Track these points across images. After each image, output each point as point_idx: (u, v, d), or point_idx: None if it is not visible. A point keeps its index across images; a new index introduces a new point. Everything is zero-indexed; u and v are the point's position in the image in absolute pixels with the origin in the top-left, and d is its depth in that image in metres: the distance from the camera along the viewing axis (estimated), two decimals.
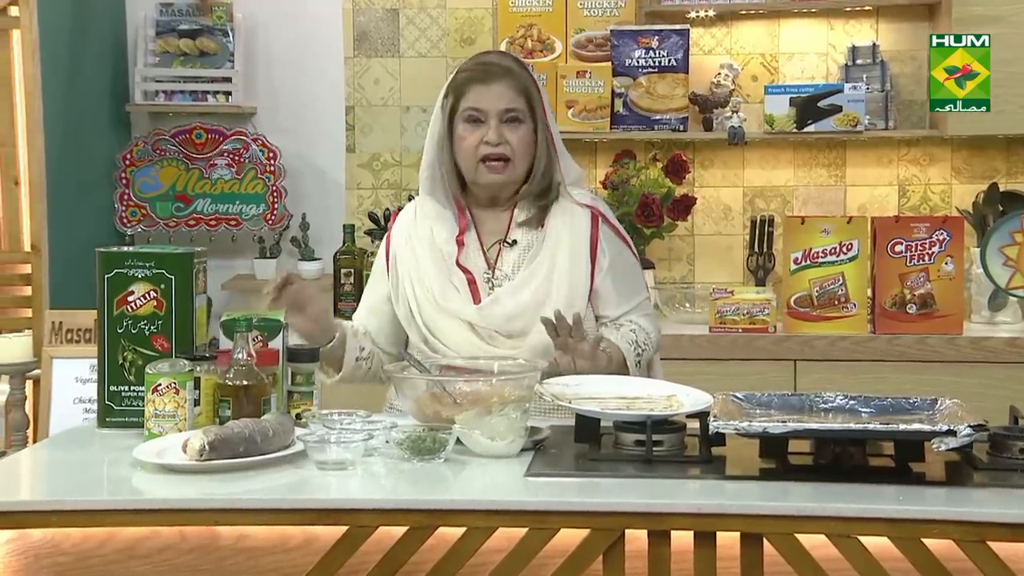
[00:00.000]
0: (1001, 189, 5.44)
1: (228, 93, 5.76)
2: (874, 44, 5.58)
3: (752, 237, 5.58)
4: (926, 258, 5.01)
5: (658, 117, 5.52)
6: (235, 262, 5.93)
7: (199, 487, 2.69)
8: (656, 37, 5.50)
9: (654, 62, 5.50)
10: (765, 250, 5.53)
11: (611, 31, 5.53)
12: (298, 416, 3.20)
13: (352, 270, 5.29)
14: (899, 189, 5.70)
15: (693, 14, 5.66)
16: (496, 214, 3.60)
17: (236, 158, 5.79)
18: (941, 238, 5.01)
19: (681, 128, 5.54)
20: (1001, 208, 5.32)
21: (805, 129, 5.43)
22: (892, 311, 5.03)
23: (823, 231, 5.05)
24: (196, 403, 3.09)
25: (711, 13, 5.64)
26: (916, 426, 2.73)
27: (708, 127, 5.60)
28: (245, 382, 3.08)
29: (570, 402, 3.04)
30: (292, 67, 5.94)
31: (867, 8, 5.64)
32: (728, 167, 5.75)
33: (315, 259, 5.74)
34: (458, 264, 3.54)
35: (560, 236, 3.53)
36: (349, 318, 5.20)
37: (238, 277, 5.87)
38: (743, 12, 5.67)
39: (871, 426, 2.77)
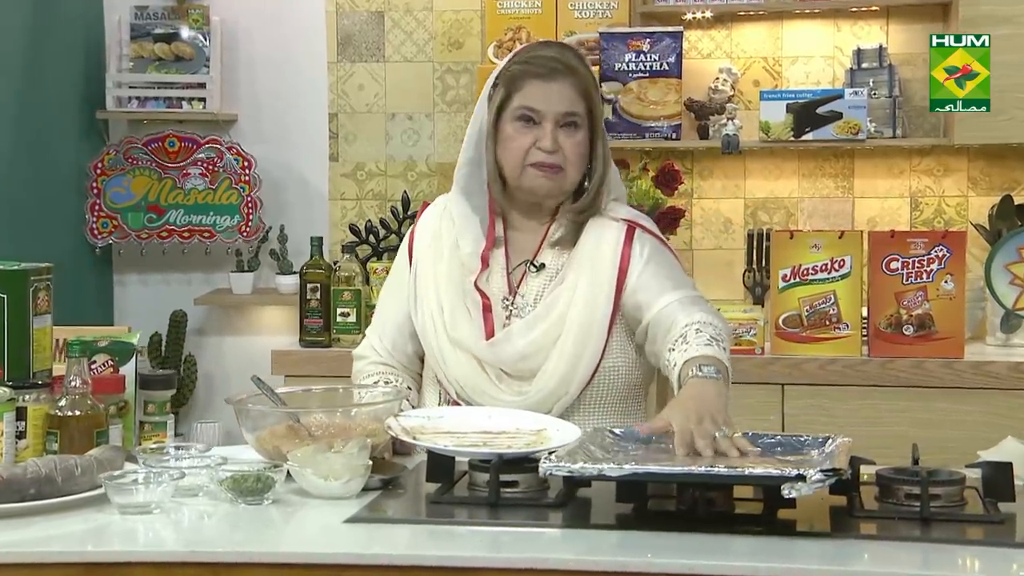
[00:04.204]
0: (1020, 201, 5.07)
1: (203, 99, 5.53)
2: (881, 47, 5.20)
3: (750, 252, 5.23)
4: (924, 276, 4.65)
5: (649, 124, 5.19)
6: (211, 275, 5.69)
7: None
8: (647, 40, 5.17)
9: (645, 66, 5.17)
10: (764, 266, 5.16)
11: (600, 33, 5.21)
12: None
13: (319, 285, 5.01)
14: (911, 201, 5.33)
15: (689, 15, 5.33)
16: (531, 226, 3.21)
17: (210, 167, 5.55)
18: (940, 254, 4.65)
19: (674, 136, 5.20)
20: (1019, 222, 4.97)
21: (803, 137, 5.08)
22: (887, 332, 4.68)
23: (813, 246, 4.71)
24: (22, 436, 2.84)
25: (708, 14, 5.31)
26: (760, 470, 2.41)
27: (704, 135, 5.27)
28: (76, 412, 2.82)
29: (415, 438, 2.75)
30: (273, 73, 5.67)
31: (875, 8, 5.27)
32: (728, 177, 5.41)
33: (293, 272, 5.47)
34: (476, 285, 3.18)
35: (585, 259, 3.14)
36: (317, 335, 5.05)
37: (215, 291, 5.64)
38: (742, 13, 5.32)
39: (716, 469, 2.44)
